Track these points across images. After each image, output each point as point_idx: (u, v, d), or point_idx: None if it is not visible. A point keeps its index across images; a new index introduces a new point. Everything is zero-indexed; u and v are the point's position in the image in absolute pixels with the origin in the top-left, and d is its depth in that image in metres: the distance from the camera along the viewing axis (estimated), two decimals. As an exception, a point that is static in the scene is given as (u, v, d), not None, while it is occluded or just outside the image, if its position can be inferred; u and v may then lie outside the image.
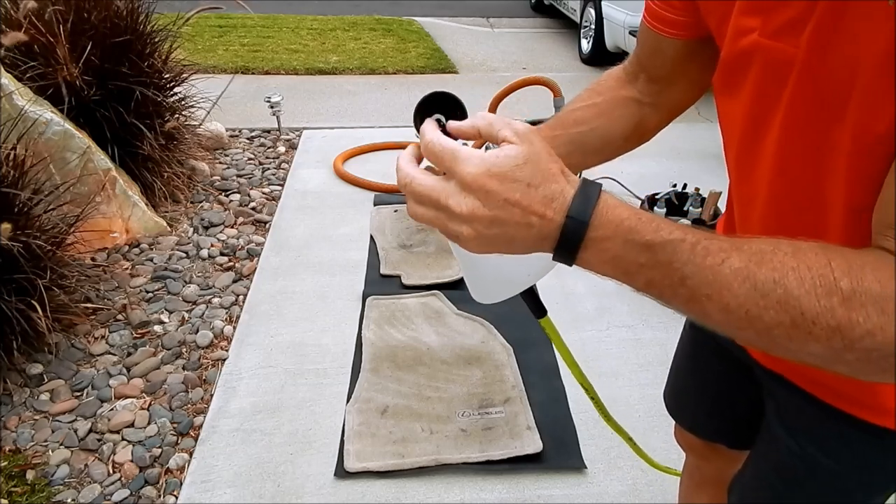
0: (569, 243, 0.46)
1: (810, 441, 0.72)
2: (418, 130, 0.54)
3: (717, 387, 0.94)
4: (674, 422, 1.08)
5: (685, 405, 1.04)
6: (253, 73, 4.93)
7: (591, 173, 3.22)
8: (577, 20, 5.89)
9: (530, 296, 0.62)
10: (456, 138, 0.50)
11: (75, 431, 1.74)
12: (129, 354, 2.02)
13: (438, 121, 0.55)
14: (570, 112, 0.80)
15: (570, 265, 0.48)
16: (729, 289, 0.43)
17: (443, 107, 0.57)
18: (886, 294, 0.42)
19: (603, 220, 0.45)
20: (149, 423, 1.78)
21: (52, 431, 1.74)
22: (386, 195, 3.01)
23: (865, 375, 0.45)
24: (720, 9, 0.60)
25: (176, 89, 2.99)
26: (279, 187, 3.13)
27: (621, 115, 0.79)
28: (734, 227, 0.74)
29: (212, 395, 1.87)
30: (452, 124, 0.52)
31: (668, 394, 1.07)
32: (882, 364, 0.43)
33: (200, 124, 3.30)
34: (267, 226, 2.79)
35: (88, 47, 2.45)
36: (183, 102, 3.04)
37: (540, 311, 0.64)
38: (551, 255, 0.48)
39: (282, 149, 3.56)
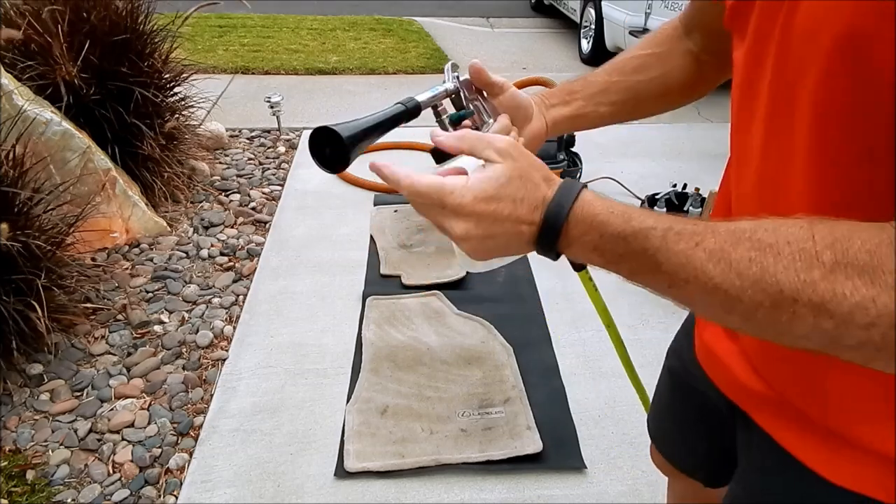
0: (548, 242, 0.50)
1: (770, 481, 0.68)
2: (317, 162, 0.57)
3: (693, 426, 0.91)
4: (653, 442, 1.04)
5: (664, 436, 1.01)
6: (253, 73, 4.93)
7: (591, 172, 3.21)
8: (577, 20, 5.89)
9: None
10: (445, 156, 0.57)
11: (75, 431, 1.74)
12: (129, 354, 2.02)
13: (442, 114, 0.62)
14: (628, 59, 0.77)
15: (555, 259, 0.53)
16: (704, 271, 0.43)
17: (329, 141, 0.57)
18: (876, 263, 0.38)
19: (578, 218, 0.49)
20: (149, 423, 1.78)
21: (52, 431, 1.74)
22: (386, 195, 3.01)
23: (879, 363, 0.40)
24: None
25: (176, 89, 2.98)
26: (279, 187, 3.13)
27: (681, 66, 0.77)
28: (729, 192, 0.69)
29: (212, 395, 1.87)
30: (441, 141, 0.56)
31: (650, 419, 1.05)
32: (891, 348, 0.38)
33: (200, 124, 3.29)
34: (267, 226, 2.79)
35: (86, 46, 2.44)
36: (183, 102, 3.03)
37: (578, 266, 0.67)
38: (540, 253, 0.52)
39: (282, 149, 3.56)
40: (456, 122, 0.68)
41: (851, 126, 0.45)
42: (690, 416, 0.90)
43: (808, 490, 0.61)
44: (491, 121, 0.69)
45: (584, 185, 0.50)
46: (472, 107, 0.69)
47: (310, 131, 0.56)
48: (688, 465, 0.98)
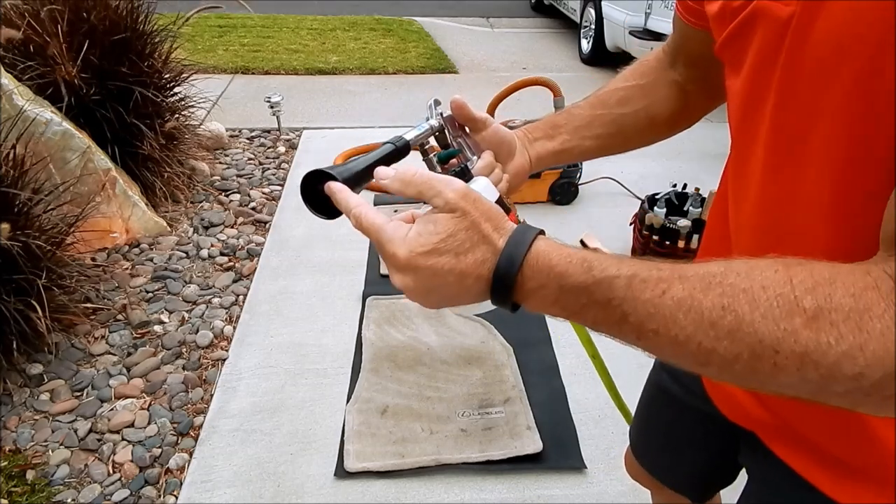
0: (501, 296, 0.47)
1: (779, 496, 0.69)
2: (310, 207, 0.56)
3: (689, 443, 0.89)
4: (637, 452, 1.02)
5: (652, 451, 0.99)
6: (253, 73, 4.93)
7: (591, 172, 3.21)
8: (577, 20, 5.88)
9: None
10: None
11: (75, 431, 1.74)
12: (129, 354, 2.02)
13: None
14: (612, 91, 0.76)
15: (513, 311, 0.49)
16: (674, 321, 0.40)
17: (321, 182, 0.56)
18: (863, 308, 0.35)
19: (533, 270, 0.45)
20: (149, 423, 1.78)
21: (52, 431, 1.74)
22: (386, 195, 3.00)
23: (874, 410, 0.38)
24: None
25: (176, 89, 2.99)
26: (279, 187, 3.13)
27: (666, 97, 0.75)
28: (726, 219, 0.67)
29: (212, 395, 1.87)
30: (386, 184, 0.52)
31: (634, 433, 1.02)
32: (881, 394, 0.36)
33: (200, 124, 3.29)
34: (267, 226, 2.79)
35: (86, 46, 2.44)
36: (183, 102, 3.03)
37: None
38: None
39: (282, 149, 3.56)
40: (444, 161, 0.65)
41: (875, 153, 0.42)
42: (686, 434, 0.89)
43: None
44: (475, 158, 0.66)
45: (540, 232, 0.48)
46: (456, 144, 0.67)
47: (301, 177, 0.54)
48: (676, 482, 0.96)
